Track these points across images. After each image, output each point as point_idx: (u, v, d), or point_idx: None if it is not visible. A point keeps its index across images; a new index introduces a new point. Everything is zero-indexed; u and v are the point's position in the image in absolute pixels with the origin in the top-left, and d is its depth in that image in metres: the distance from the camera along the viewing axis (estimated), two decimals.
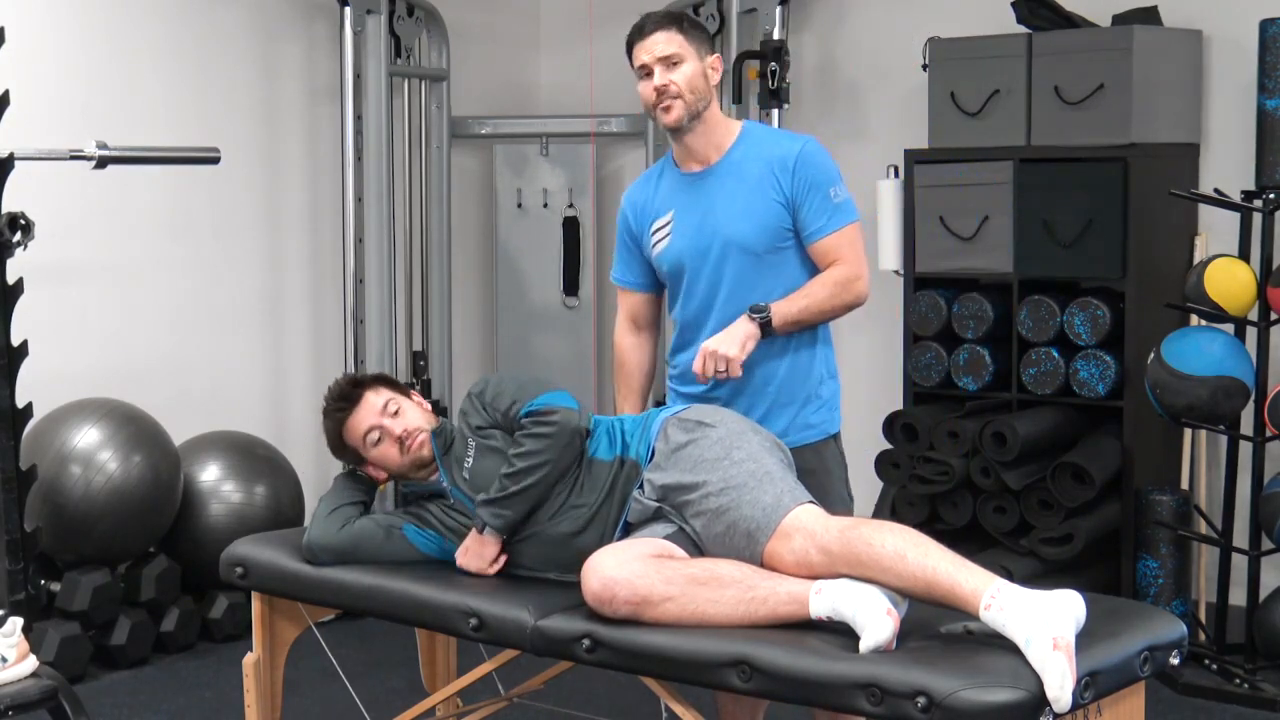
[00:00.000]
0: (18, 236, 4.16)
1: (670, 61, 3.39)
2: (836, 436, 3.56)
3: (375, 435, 3.48)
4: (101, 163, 4.45)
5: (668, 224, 3.51)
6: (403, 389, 3.60)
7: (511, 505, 3.27)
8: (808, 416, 3.49)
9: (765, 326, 3.35)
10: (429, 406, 3.62)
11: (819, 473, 3.46)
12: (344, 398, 3.53)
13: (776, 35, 5.54)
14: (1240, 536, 4.76)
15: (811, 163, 3.41)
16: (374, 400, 3.50)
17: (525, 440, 3.27)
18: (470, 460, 3.39)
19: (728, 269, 3.43)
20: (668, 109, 3.40)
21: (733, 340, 3.33)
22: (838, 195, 3.42)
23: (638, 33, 3.44)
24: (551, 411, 3.28)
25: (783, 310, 3.36)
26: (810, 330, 3.48)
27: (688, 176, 3.50)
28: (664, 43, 3.39)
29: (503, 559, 3.34)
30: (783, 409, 3.47)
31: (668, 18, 3.44)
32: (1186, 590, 4.93)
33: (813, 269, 3.45)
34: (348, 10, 5.56)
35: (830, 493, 3.47)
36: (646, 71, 3.41)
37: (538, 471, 3.25)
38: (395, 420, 3.47)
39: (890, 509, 5.12)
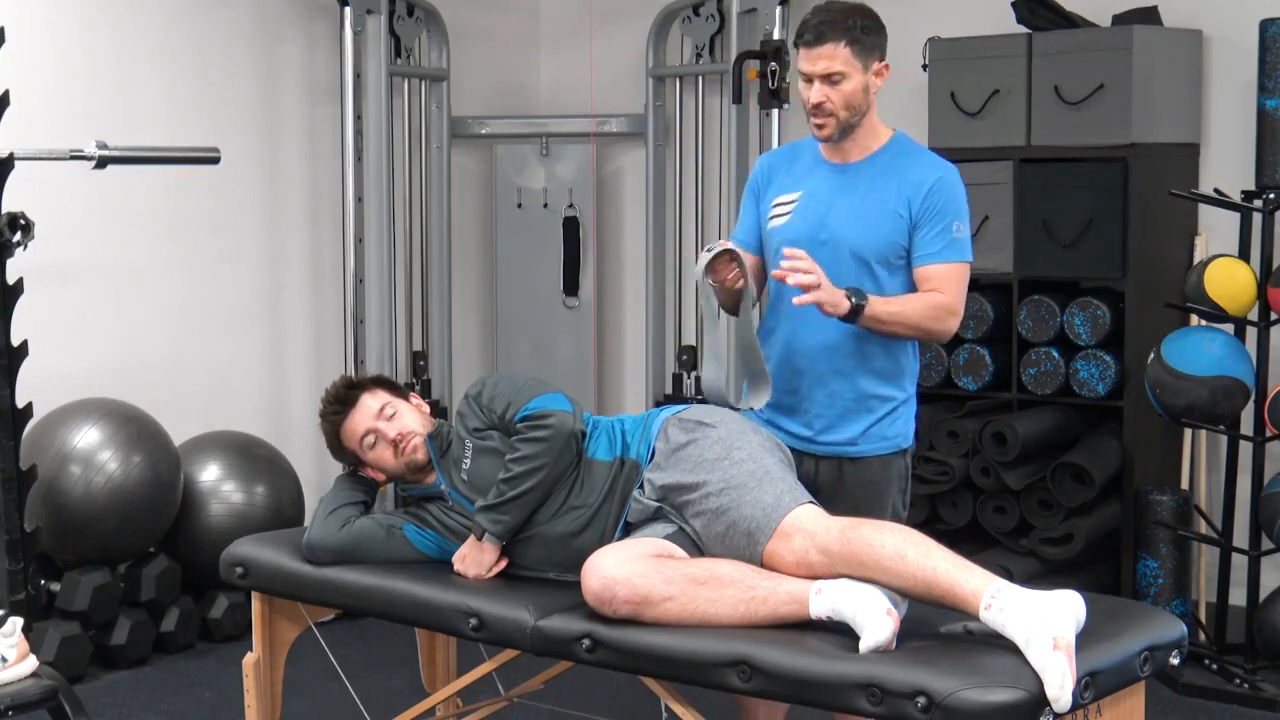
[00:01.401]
0: (18, 236, 4.16)
1: (832, 79, 3.30)
2: (906, 451, 3.49)
3: (370, 439, 3.47)
4: (101, 163, 4.45)
5: (792, 202, 3.43)
6: (401, 391, 3.59)
7: (509, 511, 3.27)
8: (883, 429, 3.42)
9: (855, 313, 3.24)
10: (427, 408, 3.61)
11: (880, 484, 3.43)
12: (340, 400, 3.53)
13: (776, 35, 5.54)
14: (1240, 536, 4.76)
15: (946, 191, 3.35)
16: (370, 403, 3.50)
17: (521, 445, 3.27)
18: (468, 462, 3.39)
19: (833, 267, 3.32)
20: (821, 126, 3.35)
21: (833, 296, 3.19)
22: (959, 230, 3.35)
23: (802, 36, 3.32)
24: (546, 415, 3.28)
25: (876, 307, 3.27)
26: (901, 350, 3.41)
27: (826, 165, 3.44)
28: (828, 59, 3.28)
29: (502, 564, 3.34)
30: (860, 416, 3.40)
31: (837, 26, 3.29)
32: (1186, 590, 4.93)
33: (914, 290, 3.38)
34: (348, 10, 5.56)
35: (885, 505, 3.43)
36: (808, 79, 3.33)
37: (534, 476, 3.25)
38: (390, 423, 3.47)
39: None
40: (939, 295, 3.34)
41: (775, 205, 3.45)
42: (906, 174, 3.37)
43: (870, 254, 3.35)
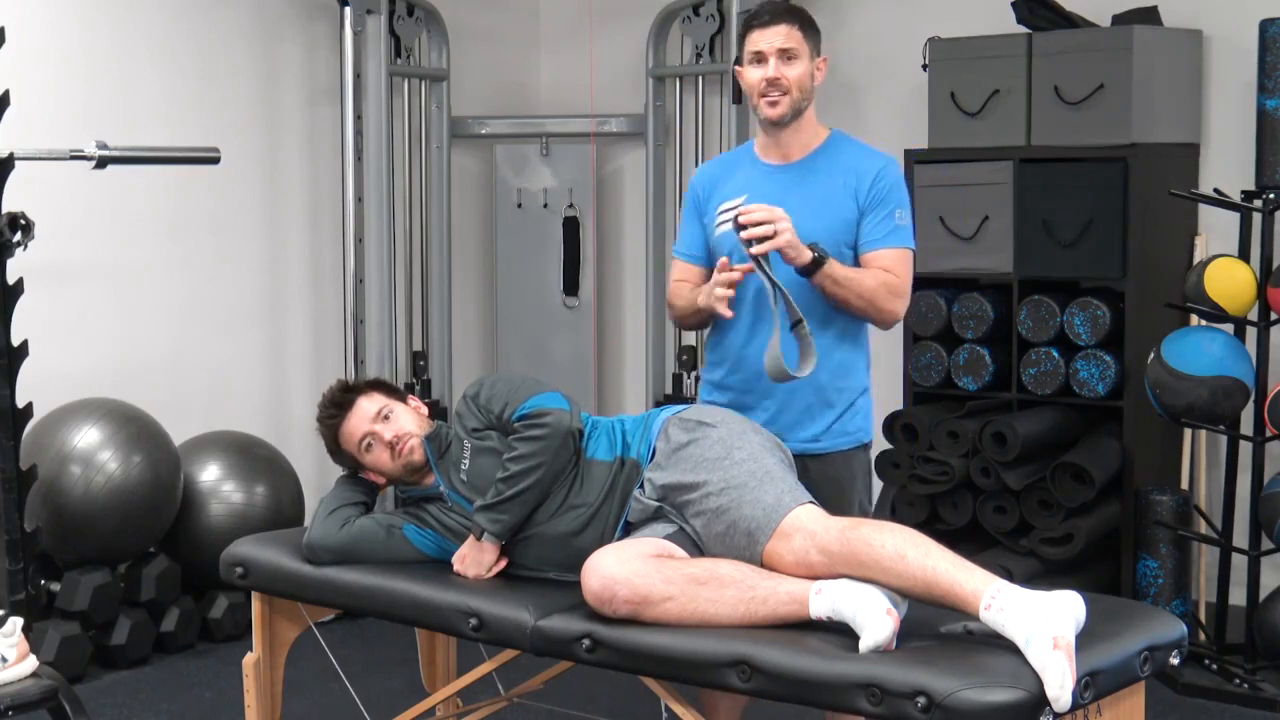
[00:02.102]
0: (18, 236, 4.16)
1: (787, 55, 3.40)
2: (868, 446, 3.55)
3: (367, 441, 3.47)
4: (101, 163, 4.45)
5: (737, 206, 3.44)
6: (398, 393, 3.59)
7: (508, 510, 3.27)
8: (845, 424, 3.48)
9: (815, 264, 3.28)
10: (425, 410, 3.61)
11: (844, 480, 3.46)
12: (336, 404, 3.53)
13: None
14: (1240, 536, 4.76)
15: (889, 179, 3.44)
16: (366, 406, 3.50)
17: (518, 444, 3.27)
18: (467, 463, 3.39)
19: (788, 265, 3.36)
20: (775, 104, 3.41)
21: (795, 240, 3.24)
22: (902, 218, 3.44)
23: (757, 19, 3.44)
24: (544, 414, 3.28)
25: (835, 267, 3.31)
26: (855, 341, 3.48)
27: (768, 167, 3.50)
28: (784, 36, 3.40)
29: (501, 563, 3.34)
30: (822, 412, 3.45)
31: (790, 11, 3.45)
32: (1186, 590, 4.93)
33: None
34: (348, 10, 5.55)
35: (851, 501, 3.47)
36: (760, 59, 3.42)
37: (532, 475, 3.25)
38: (386, 425, 3.46)
39: (890, 509, 5.12)
40: (891, 276, 3.40)
41: (721, 211, 3.45)
42: (850, 164, 3.45)
43: (825, 247, 3.38)
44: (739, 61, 3.50)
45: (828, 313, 3.41)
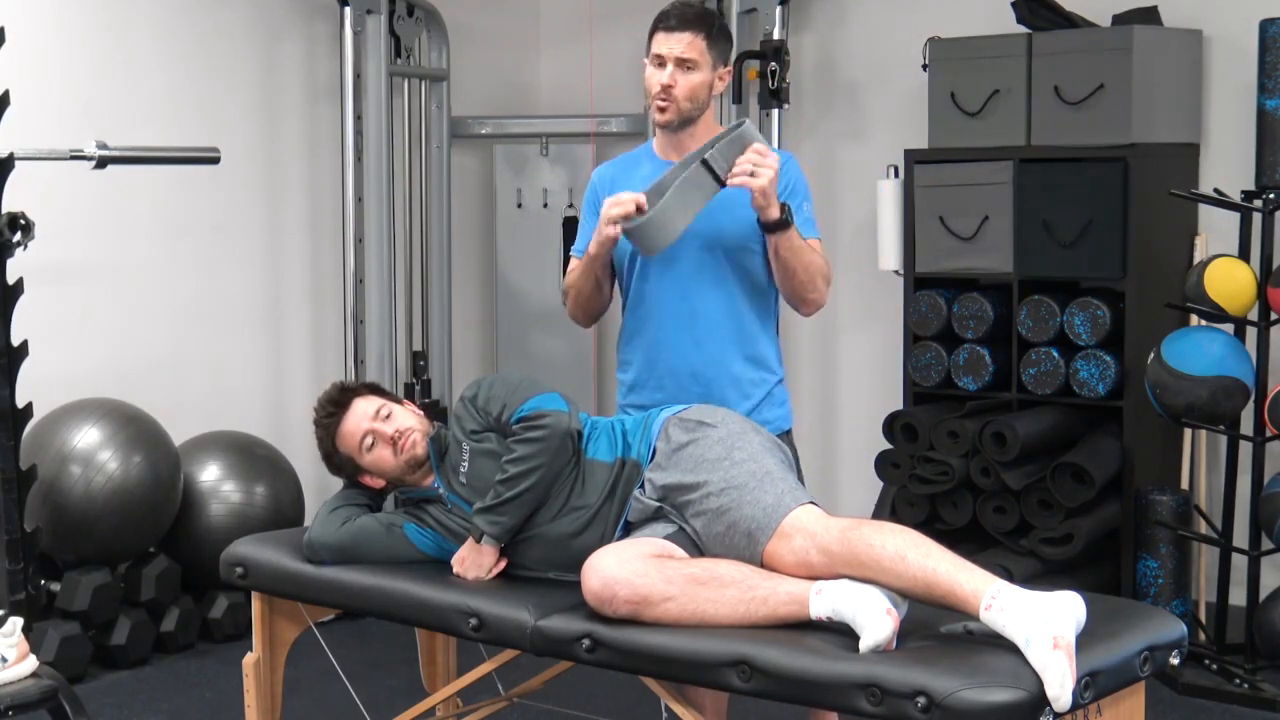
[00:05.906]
0: (18, 236, 4.16)
1: (686, 65, 3.40)
2: (789, 433, 3.60)
3: (369, 440, 3.46)
4: (101, 163, 4.45)
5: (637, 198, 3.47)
6: (395, 397, 3.59)
7: (507, 512, 3.26)
8: (764, 413, 3.51)
9: (782, 225, 3.31)
10: (422, 414, 3.60)
11: None
12: (334, 403, 3.51)
13: (776, 35, 5.54)
14: (1240, 536, 4.76)
15: (792, 174, 3.47)
16: (364, 406, 3.48)
17: (517, 446, 3.26)
18: (465, 465, 3.38)
19: (695, 260, 3.44)
20: (663, 110, 3.43)
21: (774, 194, 3.27)
22: (809, 210, 3.48)
23: (665, 21, 3.43)
24: (542, 415, 3.27)
25: (794, 231, 3.35)
26: (768, 334, 3.54)
27: (668, 165, 3.48)
28: (687, 45, 3.39)
29: (501, 564, 3.33)
30: (738, 404, 3.48)
31: (701, 19, 3.43)
32: (1186, 590, 4.94)
33: (772, 277, 3.48)
34: (348, 10, 5.56)
35: None
36: (660, 62, 3.42)
37: (531, 476, 3.24)
38: (387, 423, 3.46)
39: (890, 509, 5.12)
40: (824, 262, 3.46)
41: (612, 205, 3.42)
42: None
43: (731, 241, 3.43)
44: (647, 54, 3.48)
45: (742, 309, 3.46)
